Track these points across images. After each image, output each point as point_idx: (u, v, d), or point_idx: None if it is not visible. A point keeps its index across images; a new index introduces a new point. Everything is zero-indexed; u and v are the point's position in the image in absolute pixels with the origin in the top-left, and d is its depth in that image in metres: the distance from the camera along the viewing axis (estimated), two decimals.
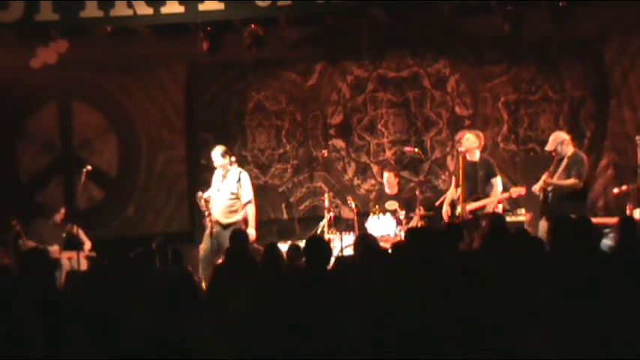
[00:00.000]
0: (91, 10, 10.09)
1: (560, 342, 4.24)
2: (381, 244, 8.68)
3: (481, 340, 4.28)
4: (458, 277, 4.92)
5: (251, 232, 9.71)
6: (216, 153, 10.12)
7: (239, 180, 10.02)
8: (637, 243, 5.93)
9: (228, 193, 9.96)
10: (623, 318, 4.32)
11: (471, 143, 9.50)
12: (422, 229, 7.70)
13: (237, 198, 9.98)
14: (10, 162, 12.21)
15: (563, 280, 4.75)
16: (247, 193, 10.05)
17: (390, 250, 6.73)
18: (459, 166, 9.44)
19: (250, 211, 10.02)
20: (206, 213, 9.85)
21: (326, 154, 11.52)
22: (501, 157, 11.30)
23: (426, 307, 4.54)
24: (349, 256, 7.87)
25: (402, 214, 10.28)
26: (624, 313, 4.35)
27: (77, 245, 10.29)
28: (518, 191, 9.46)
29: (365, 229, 10.20)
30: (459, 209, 9.35)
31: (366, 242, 6.59)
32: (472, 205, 9.38)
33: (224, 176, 10.05)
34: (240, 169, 10.24)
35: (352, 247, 7.59)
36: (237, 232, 8.33)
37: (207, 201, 9.86)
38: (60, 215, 10.86)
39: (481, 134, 9.85)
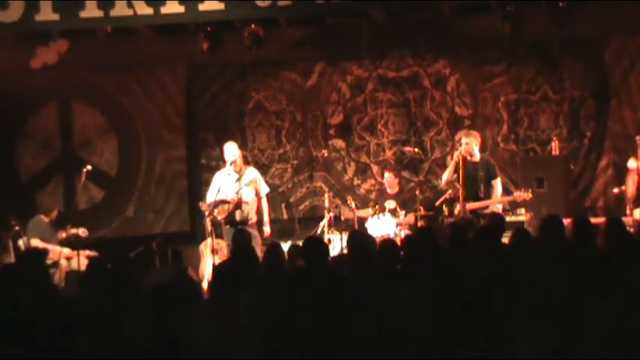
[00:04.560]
0: (91, 10, 10.10)
1: (558, 343, 4.25)
2: None
3: (477, 340, 4.28)
4: (451, 277, 4.92)
5: (266, 229, 9.84)
6: (233, 147, 9.97)
7: (257, 177, 10.00)
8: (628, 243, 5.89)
9: (253, 191, 9.86)
10: (623, 319, 4.32)
11: (471, 147, 9.52)
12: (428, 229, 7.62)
13: (256, 195, 9.92)
14: (10, 162, 12.20)
15: (562, 280, 4.75)
16: (265, 186, 10.12)
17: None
18: (459, 166, 9.43)
19: (266, 206, 10.04)
20: (219, 218, 9.68)
21: (326, 154, 11.53)
22: (501, 157, 11.29)
23: (423, 306, 4.54)
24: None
25: (401, 214, 10.29)
26: (624, 314, 4.35)
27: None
28: (523, 197, 9.39)
29: (364, 229, 10.19)
30: (458, 208, 9.35)
31: (357, 240, 6.58)
32: (473, 205, 9.38)
33: (240, 176, 9.85)
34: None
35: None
36: (241, 231, 8.33)
37: (210, 205, 9.67)
38: (53, 214, 10.80)
39: (476, 133, 9.85)
